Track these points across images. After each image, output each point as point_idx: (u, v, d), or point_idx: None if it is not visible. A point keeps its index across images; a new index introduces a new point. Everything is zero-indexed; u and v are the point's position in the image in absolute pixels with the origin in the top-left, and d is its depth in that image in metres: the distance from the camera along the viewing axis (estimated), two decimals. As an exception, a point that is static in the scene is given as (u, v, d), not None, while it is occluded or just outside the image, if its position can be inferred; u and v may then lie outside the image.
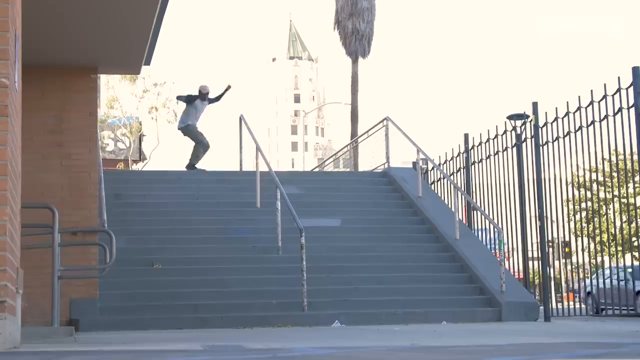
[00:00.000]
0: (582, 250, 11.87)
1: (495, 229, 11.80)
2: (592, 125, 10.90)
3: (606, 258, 17.94)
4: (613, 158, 11.85)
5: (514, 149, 12.43)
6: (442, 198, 14.69)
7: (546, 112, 11.71)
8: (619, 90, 10.41)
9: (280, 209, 11.39)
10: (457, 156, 14.73)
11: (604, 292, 13.13)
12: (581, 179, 13.53)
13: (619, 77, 10.40)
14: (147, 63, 10.26)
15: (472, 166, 14.08)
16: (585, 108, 11.02)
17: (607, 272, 13.17)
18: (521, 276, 12.64)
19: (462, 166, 14.54)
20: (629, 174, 11.74)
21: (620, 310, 12.41)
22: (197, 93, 15.02)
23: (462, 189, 13.91)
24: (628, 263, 18.35)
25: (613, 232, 13.06)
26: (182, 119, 15.25)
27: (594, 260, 12.29)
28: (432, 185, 15.48)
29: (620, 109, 10.39)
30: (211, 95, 15.30)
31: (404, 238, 12.53)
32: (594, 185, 12.63)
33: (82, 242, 9.51)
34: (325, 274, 10.98)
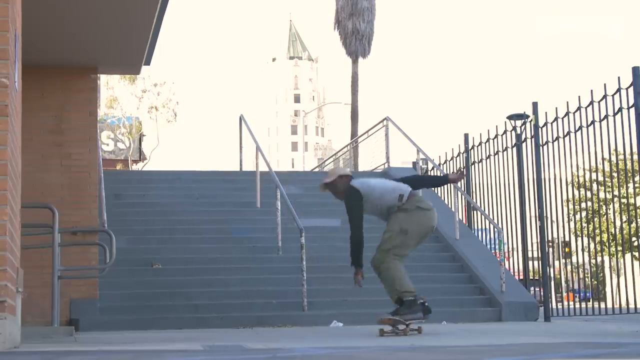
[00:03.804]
0: (582, 250, 11.84)
1: (495, 229, 11.79)
2: (592, 125, 10.89)
3: (606, 258, 17.91)
4: (613, 158, 11.84)
5: (514, 149, 12.42)
6: (442, 198, 14.68)
7: (546, 112, 11.70)
8: (619, 90, 10.40)
9: (280, 209, 11.38)
10: (457, 156, 14.73)
11: None
12: (581, 179, 13.52)
13: (619, 77, 10.39)
14: (147, 63, 10.26)
15: (472, 166, 14.07)
16: (585, 108, 11.01)
17: None
18: (521, 276, 12.63)
19: (462, 166, 14.53)
20: (629, 174, 11.74)
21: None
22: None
23: (462, 189, 13.91)
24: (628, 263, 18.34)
25: (613, 232, 13.04)
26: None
27: (594, 260, 12.28)
28: (432, 185, 15.46)
29: (620, 109, 10.38)
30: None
31: (404, 238, 12.52)
32: (594, 185, 12.62)
33: (82, 242, 9.51)
34: (325, 274, 10.98)
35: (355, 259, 7.63)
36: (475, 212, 14.01)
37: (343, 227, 12.60)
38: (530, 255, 12.47)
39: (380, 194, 7.38)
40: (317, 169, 25.79)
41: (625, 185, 11.40)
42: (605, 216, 14.63)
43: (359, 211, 7.40)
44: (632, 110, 10.11)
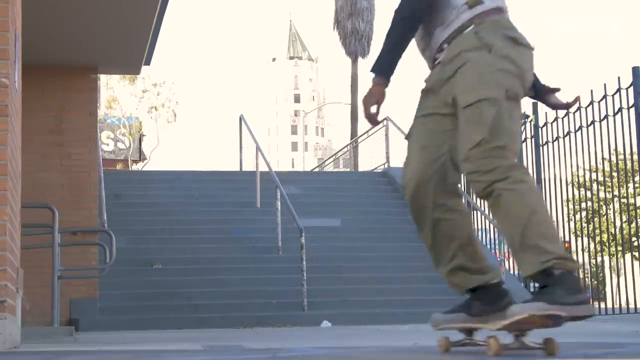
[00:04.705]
0: (582, 250, 11.84)
1: (496, 229, 11.79)
2: (592, 125, 10.90)
3: (606, 258, 17.87)
4: (613, 158, 11.84)
5: (514, 149, 12.41)
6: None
7: (546, 112, 11.72)
8: (619, 90, 10.40)
9: (280, 209, 11.39)
10: (457, 156, 14.71)
11: None
12: (581, 179, 13.52)
13: (619, 77, 10.39)
14: (147, 63, 10.27)
15: (472, 166, 14.05)
16: (585, 108, 11.01)
17: None
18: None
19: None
20: (629, 174, 11.74)
21: None
22: None
23: (462, 189, 13.91)
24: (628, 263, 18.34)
25: (613, 232, 13.04)
26: None
27: (594, 260, 12.28)
28: (432, 185, 15.45)
29: (620, 109, 10.38)
30: None
31: (403, 238, 12.52)
32: (594, 185, 12.62)
33: (82, 242, 9.52)
34: (325, 274, 10.98)
35: (393, 54, 3.56)
36: (475, 212, 14.01)
37: (343, 227, 12.65)
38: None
39: None
40: (317, 169, 25.79)
41: (625, 185, 11.40)
42: (605, 216, 14.62)
43: None
44: (632, 110, 10.11)
